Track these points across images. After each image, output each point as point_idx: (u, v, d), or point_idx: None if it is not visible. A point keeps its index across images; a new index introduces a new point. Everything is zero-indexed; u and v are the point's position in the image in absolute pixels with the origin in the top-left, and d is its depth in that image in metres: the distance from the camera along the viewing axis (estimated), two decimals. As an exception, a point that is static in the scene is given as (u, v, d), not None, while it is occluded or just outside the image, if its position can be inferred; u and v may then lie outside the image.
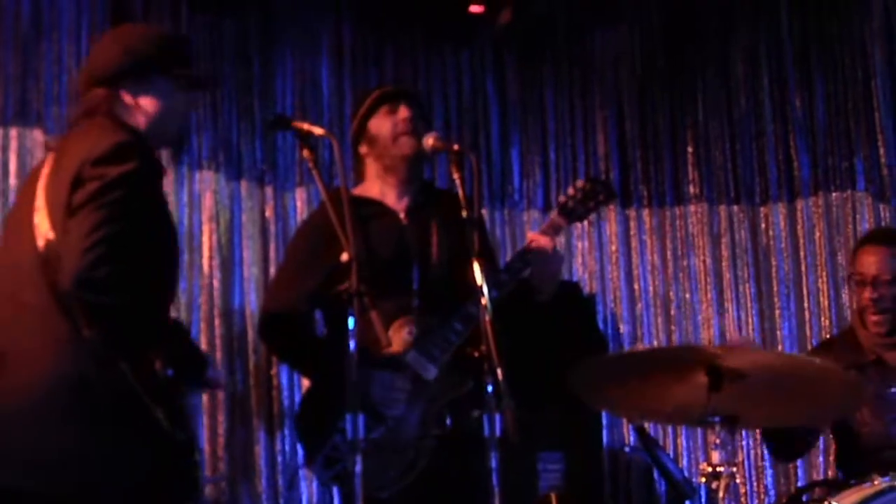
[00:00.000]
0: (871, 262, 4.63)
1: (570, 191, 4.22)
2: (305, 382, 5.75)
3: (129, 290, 2.95)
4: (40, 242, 3.05)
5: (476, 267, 3.38)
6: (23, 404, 2.95)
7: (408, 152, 4.13)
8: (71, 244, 2.93)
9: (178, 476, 3.08)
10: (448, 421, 3.89)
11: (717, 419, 3.17)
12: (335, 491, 5.39)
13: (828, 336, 6.02)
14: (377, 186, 4.21)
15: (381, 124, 4.18)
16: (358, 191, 4.25)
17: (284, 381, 5.81)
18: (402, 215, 4.14)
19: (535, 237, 4.09)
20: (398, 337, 3.97)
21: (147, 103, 3.27)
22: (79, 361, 2.96)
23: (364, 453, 3.37)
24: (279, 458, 5.76)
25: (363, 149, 4.26)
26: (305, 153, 3.42)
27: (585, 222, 6.32)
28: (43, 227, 3.06)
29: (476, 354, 3.33)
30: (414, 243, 4.09)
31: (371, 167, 4.25)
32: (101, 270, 2.88)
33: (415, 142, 4.10)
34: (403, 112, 4.17)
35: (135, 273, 2.96)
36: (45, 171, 3.17)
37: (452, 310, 3.93)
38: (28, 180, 3.33)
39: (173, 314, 5.59)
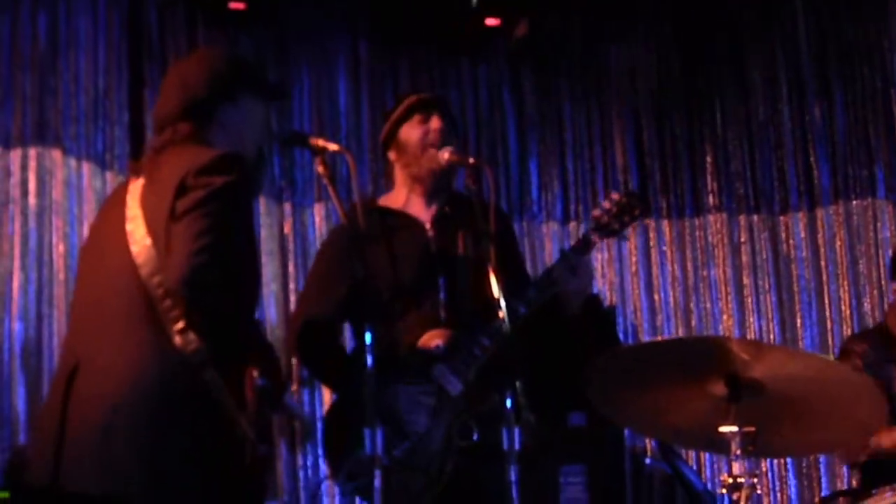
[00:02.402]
0: None
1: (606, 204, 4.11)
2: (327, 396, 5.77)
3: (232, 296, 2.98)
4: (135, 248, 3.03)
5: (493, 280, 3.37)
6: (106, 413, 2.93)
7: (436, 165, 4.11)
8: (178, 247, 2.93)
9: (255, 488, 3.10)
10: (475, 435, 3.86)
11: (736, 431, 3.13)
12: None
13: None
14: (404, 195, 4.16)
15: (410, 132, 4.08)
16: (384, 201, 4.20)
17: (306, 397, 5.81)
18: (427, 227, 4.10)
19: (569, 255, 4.03)
20: (428, 349, 3.90)
21: (231, 123, 3.29)
22: (163, 370, 2.94)
23: (388, 468, 3.37)
24: (301, 474, 5.75)
25: (392, 155, 4.17)
26: (320, 169, 3.40)
27: (628, 233, 6.33)
28: (138, 234, 3.05)
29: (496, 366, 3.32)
30: (440, 255, 4.05)
31: (399, 174, 4.16)
32: (208, 274, 2.89)
33: (441, 150, 4.09)
34: (436, 123, 4.09)
35: (234, 281, 2.99)
36: (136, 187, 3.15)
37: (480, 323, 3.91)
38: (107, 204, 3.32)
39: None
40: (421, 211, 4.10)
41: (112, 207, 3.22)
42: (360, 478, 3.81)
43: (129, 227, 3.07)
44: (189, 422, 2.94)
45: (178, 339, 2.93)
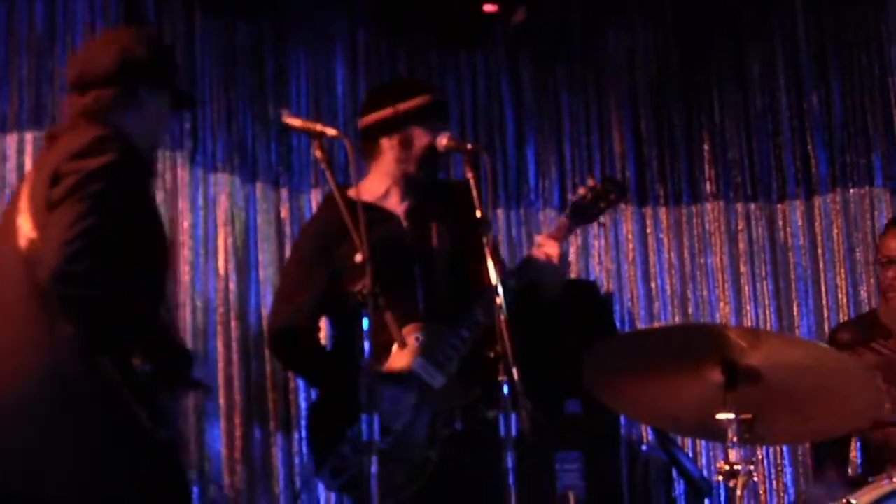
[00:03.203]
0: (894, 245, 4.69)
1: (581, 190, 4.13)
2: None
3: (108, 284, 2.90)
4: (22, 242, 3.02)
5: (491, 267, 3.37)
6: (1, 402, 2.93)
7: (434, 173, 4.09)
8: (49, 239, 2.89)
9: (162, 476, 3.01)
10: (458, 424, 3.87)
11: (733, 419, 3.13)
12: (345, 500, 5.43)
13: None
14: (383, 187, 4.12)
15: (422, 137, 4.05)
16: (355, 193, 3.95)
17: (301, 382, 5.81)
18: (402, 218, 4.10)
19: (544, 242, 4.03)
20: (407, 343, 3.91)
21: (150, 104, 3.27)
22: (58, 359, 2.91)
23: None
24: (296, 460, 5.76)
25: (387, 143, 4.13)
26: (318, 154, 3.40)
27: (604, 218, 6.33)
28: (25, 228, 3.03)
29: (492, 355, 3.31)
30: (416, 248, 4.04)
31: (387, 164, 4.14)
32: (79, 264, 2.84)
33: (439, 167, 4.12)
34: (445, 139, 4.01)
35: (114, 267, 2.91)
36: (31, 173, 3.16)
37: (460, 315, 3.90)
38: (19, 184, 3.32)
39: (192, 316, 5.61)
40: (396, 204, 4.09)
41: (15, 195, 3.21)
42: (343, 474, 3.83)
43: (19, 220, 3.06)
44: (89, 410, 2.91)
45: (65, 329, 2.91)
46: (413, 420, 3.88)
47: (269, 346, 4.47)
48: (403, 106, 4.05)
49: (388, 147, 4.13)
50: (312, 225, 4.32)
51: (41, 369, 2.92)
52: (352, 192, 3.79)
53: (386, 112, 4.08)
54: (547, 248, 3.98)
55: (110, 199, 2.94)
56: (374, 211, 4.01)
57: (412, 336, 3.91)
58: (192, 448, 3.32)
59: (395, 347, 3.86)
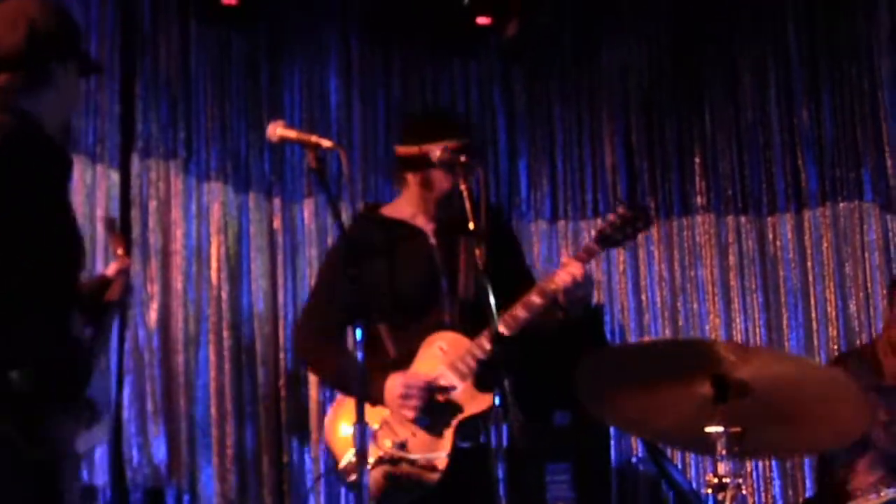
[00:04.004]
0: None
1: (611, 217, 4.19)
2: (314, 394, 5.79)
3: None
4: None
5: (482, 279, 3.41)
6: None
7: (453, 215, 4.12)
8: None
9: (32, 499, 2.74)
10: (482, 436, 3.92)
11: (722, 432, 3.15)
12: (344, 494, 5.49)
13: (836, 347, 6.04)
14: (410, 210, 4.21)
15: (443, 180, 4.09)
16: (388, 210, 4.28)
17: (291, 392, 5.83)
18: (430, 236, 4.16)
19: (569, 262, 4.07)
20: (430, 352, 4.02)
21: (62, 85, 3.02)
22: None
23: (392, 464, 3.82)
24: (287, 469, 5.77)
25: (411, 178, 4.18)
26: (313, 165, 3.42)
27: (593, 232, 6.34)
28: None
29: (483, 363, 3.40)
30: (442, 263, 4.11)
31: (413, 196, 4.20)
32: None
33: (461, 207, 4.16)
34: (439, 150, 4.06)
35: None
36: None
37: (482, 327, 3.94)
38: None
39: (184, 324, 5.62)
40: (424, 222, 4.15)
41: None
42: (353, 475, 3.88)
43: None
44: None
45: None
46: (430, 427, 3.95)
47: (294, 353, 4.59)
48: (425, 148, 4.06)
49: (413, 182, 4.19)
50: (341, 242, 4.39)
51: None
52: (385, 210, 4.08)
53: (412, 150, 4.11)
54: (572, 269, 4.03)
55: None
56: (403, 227, 4.15)
57: (436, 344, 4.00)
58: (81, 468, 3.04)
59: (419, 355, 3.99)
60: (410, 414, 3.94)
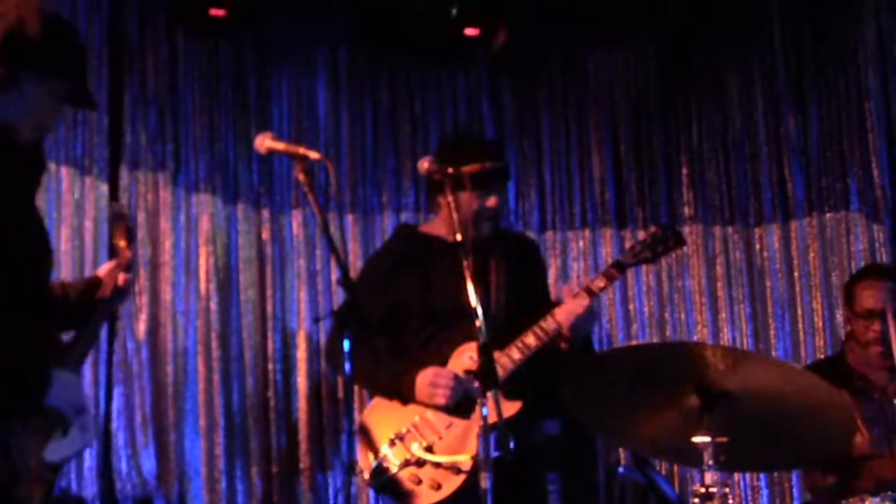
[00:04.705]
0: (876, 296, 4.70)
1: (642, 235, 4.43)
2: (303, 404, 5.80)
3: None
4: None
5: (470, 289, 3.45)
6: None
7: (483, 234, 4.28)
8: None
9: None
10: (511, 444, 3.98)
11: (709, 442, 3.17)
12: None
13: (823, 357, 6.05)
14: (445, 229, 4.40)
15: (471, 202, 4.33)
16: (426, 228, 4.59)
17: (280, 403, 5.83)
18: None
19: (569, 298, 4.31)
20: (460, 360, 4.23)
21: (31, 94, 2.94)
22: None
23: (414, 468, 4.04)
24: (275, 479, 5.77)
25: (443, 201, 4.38)
26: (301, 177, 3.44)
27: (581, 243, 6.38)
28: None
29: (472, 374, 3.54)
30: (474, 279, 4.19)
31: (444, 214, 4.43)
32: None
33: (493, 225, 4.40)
34: (493, 201, 4.32)
35: None
36: None
37: (511, 340, 4.21)
38: None
39: (173, 336, 5.62)
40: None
41: None
42: (384, 475, 4.15)
43: None
44: None
45: None
46: (461, 428, 4.16)
47: (327, 359, 4.95)
48: (452, 171, 4.16)
49: (443, 204, 4.40)
50: (381, 254, 4.70)
51: None
52: (422, 228, 4.47)
53: (440, 174, 4.22)
54: (571, 306, 4.27)
55: None
56: (438, 242, 4.39)
57: (466, 354, 4.20)
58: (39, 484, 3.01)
59: (450, 363, 4.24)
60: (441, 400, 4.15)
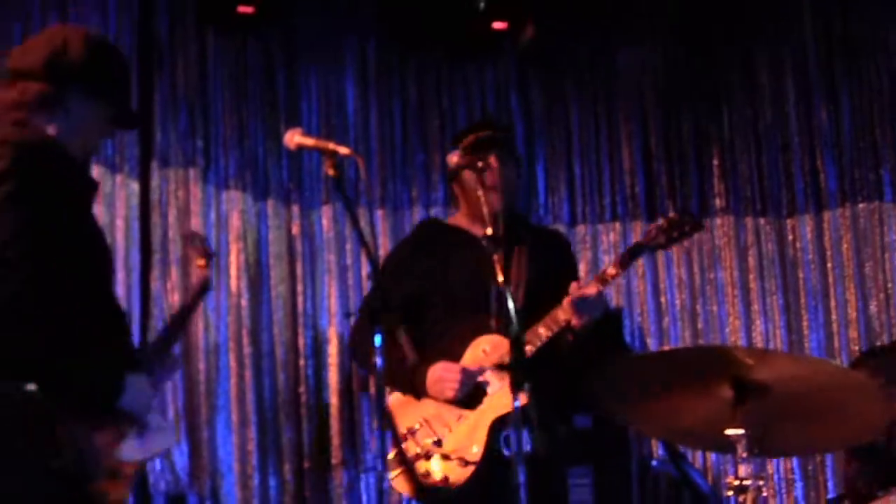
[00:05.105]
0: None
1: (660, 221, 4.38)
2: (335, 400, 5.81)
3: (21, 314, 2.72)
4: None
5: (501, 278, 3.47)
6: None
7: (494, 208, 4.18)
8: None
9: None
10: (527, 445, 3.96)
11: (742, 434, 3.15)
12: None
13: (857, 348, 6.01)
14: (468, 218, 4.48)
15: (470, 176, 4.23)
16: (452, 220, 4.63)
17: (312, 399, 5.84)
18: (484, 242, 4.22)
19: (579, 288, 4.22)
20: (474, 353, 4.24)
21: (56, 112, 3.03)
22: None
23: (424, 461, 4.06)
24: (308, 474, 5.78)
25: (456, 188, 4.51)
26: (330, 172, 3.44)
27: (611, 235, 6.36)
28: None
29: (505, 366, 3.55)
30: (493, 269, 4.17)
31: (462, 204, 4.52)
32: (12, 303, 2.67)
33: (503, 196, 4.25)
34: (493, 162, 4.27)
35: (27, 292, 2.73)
36: None
37: (525, 330, 4.12)
38: None
39: (204, 332, 5.64)
40: (481, 230, 4.25)
41: None
42: (395, 468, 4.20)
43: None
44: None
45: None
46: (471, 420, 4.15)
47: (351, 353, 5.02)
48: (456, 160, 4.14)
49: (458, 193, 4.52)
50: (404, 246, 4.72)
51: None
52: (447, 221, 4.46)
53: (452, 163, 4.23)
54: (582, 291, 4.22)
55: (8, 214, 2.74)
56: (461, 233, 4.44)
57: (480, 347, 4.21)
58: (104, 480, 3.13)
59: (464, 356, 4.23)
60: (450, 394, 4.16)
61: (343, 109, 6.20)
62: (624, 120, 6.57)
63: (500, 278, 3.51)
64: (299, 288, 5.91)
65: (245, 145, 5.94)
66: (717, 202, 6.46)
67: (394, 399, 4.36)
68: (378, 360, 3.27)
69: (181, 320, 4.89)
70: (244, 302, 5.78)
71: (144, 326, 5.54)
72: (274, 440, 5.75)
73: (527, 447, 3.87)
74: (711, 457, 6.12)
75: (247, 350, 5.74)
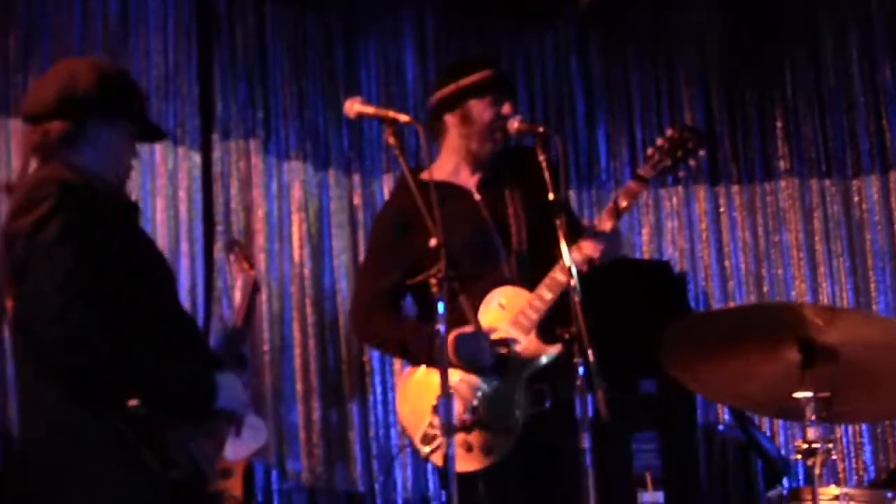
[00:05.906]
0: None
1: (659, 141, 4.10)
2: (399, 367, 5.82)
3: (112, 341, 2.84)
4: (9, 303, 2.98)
5: (564, 248, 3.40)
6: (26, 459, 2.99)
7: (498, 148, 4.11)
8: (34, 315, 2.85)
9: None
10: (547, 402, 3.89)
11: (810, 397, 3.12)
12: (430, 468, 5.50)
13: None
14: (452, 164, 4.16)
15: (483, 111, 4.07)
16: (426, 175, 3.96)
17: (377, 365, 5.86)
18: (474, 192, 4.13)
19: (598, 222, 4.02)
20: (489, 310, 3.95)
21: (101, 141, 3.14)
22: (56, 419, 2.90)
23: (463, 434, 3.74)
24: (373, 444, 5.81)
25: (451, 119, 4.15)
26: (391, 140, 3.43)
27: (674, 200, 6.31)
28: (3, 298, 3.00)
29: (567, 336, 3.34)
30: (491, 218, 4.08)
31: (454, 141, 4.17)
32: (76, 332, 2.80)
33: (504, 138, 4.10)
34: (508, 108, 4.10)
35: (109, 317, 2.85)
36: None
37: (541, 276, 3.89)
38: None
39: (268, 302, 5.67)
40: (467, 178, 4.15)
41: None
42: (431, 442, 3.87)
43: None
44: (85, 465, 2.89)
45: (56, 389, 2.91)
46: (499, 386, 3.91)
47: (354, 331, 4.52)
48: (462, 82, 4.08)
49: (452, 124, 4.15)
50: (387, 210, 4.35)
51: (48, 425, 2.93)
52: (424, 175, 3.79)
53: (447, 89, 4.13)
54: (604, 223, 3.97)
55: (64, 247, 2.85)
56: (446, 188, 4.05)
57: (495, 300, 3.94)
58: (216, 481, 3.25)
59: (479, 313, 3.88)
60: (485, 363, 3.87)
61: (402, 79, 6.20)
62: (685, 83, 6.51)
63: (564, 245, 3.42)
64: (361, 257, 5.92)
65: (305, 116, 5.96)
66: (782, 164, 6.40)
67: (411, 370, 4.12)
68: (441, 328, 3.23)
69: (243, 323, 4.86)
70: (307, 272, 5.81)
71: (209, 298, 5.58)
72: (338, 409, 5.79)
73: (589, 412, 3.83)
74: (779, 421, 6.08)
75: (311, 319, 5.77)
